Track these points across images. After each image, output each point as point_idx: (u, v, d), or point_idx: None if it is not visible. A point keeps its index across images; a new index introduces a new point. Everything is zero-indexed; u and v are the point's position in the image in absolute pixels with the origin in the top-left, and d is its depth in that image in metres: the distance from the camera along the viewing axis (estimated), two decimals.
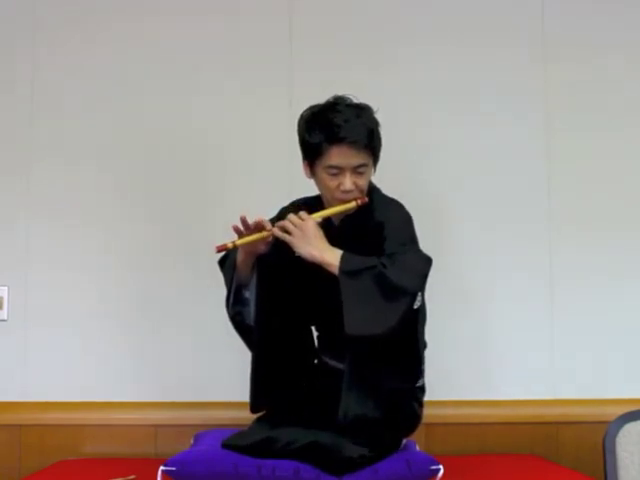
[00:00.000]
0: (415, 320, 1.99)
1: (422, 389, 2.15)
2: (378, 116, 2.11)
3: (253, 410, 2.15)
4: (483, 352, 2.65)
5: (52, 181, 2.68)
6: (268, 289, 2.11)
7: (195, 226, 2.62)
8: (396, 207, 2.12)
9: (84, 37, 2.73)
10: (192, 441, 2.29)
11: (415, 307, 1.95)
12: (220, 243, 2.01)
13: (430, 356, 2.62)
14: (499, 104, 2.73)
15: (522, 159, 2.73)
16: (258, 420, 2.14)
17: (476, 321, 2.66)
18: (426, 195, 2.69)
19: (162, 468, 1.96)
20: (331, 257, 1.97)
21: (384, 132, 2.68)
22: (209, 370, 2.57)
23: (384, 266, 1.93)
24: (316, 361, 2.25)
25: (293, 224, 2.01)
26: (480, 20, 2.76)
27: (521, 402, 2.63)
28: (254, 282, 2.12)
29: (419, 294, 1.97)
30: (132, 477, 2.18)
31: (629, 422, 2.19)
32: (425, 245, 2.63)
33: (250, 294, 2.14)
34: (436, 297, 2.64)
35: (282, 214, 2.18)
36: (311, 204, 2.16)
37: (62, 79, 2.71)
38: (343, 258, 1.96)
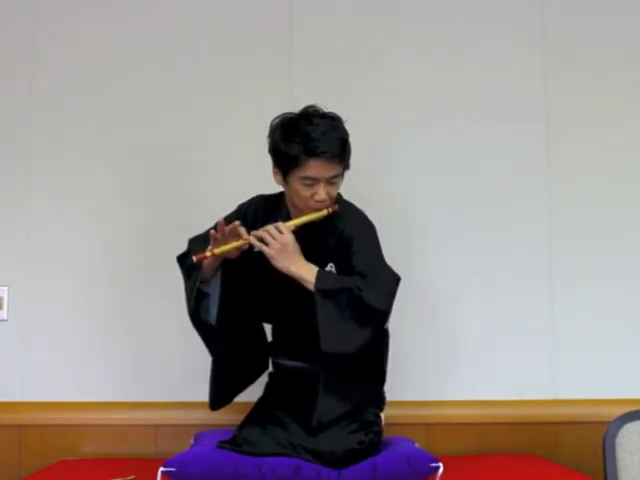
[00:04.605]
0: (384, 336, 2.13)
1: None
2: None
3: (213, 407, 2.23)
4: (483, 352, 2.65)
5: (52, 181, 2.68)
6: (232, 291, 2.18)
7: (195, 228, 2.61)
8: (361, 218, 2.19)
9: (84, 36, 2.73)
10: (192, 441, 2.29)
11: (385, 327, 2.08)
12: (200, 253, 2.08)
13: (430, 356, 2.64)
14: (499, 106, 2.73)
15: (523, 158, 2.72)
16: (241, 429, 2.14)
17: (476, 321, 2.66)
18: (428, 195, 2.70)
19: (162, 469, 1.97)
20: (307, 273, 2.05)
21: (385, 134, 2.71)
22: (209, 370, 2.57)
23: (359, 289, 2.02)
24: (271, 367, 2.33)
25: (272, 236, 2.07)
26: (480, 21, 2.76)
27: (521, 402, 2.62)
28: (217, 281, 2.17)
29: (389, 314, 2.07)
30: (132, 477, 2.18)
31: (629, 422, 2.19)
32: (427, 245, 2.66)
33: (211, 290, 2.18)
34: (436, 297, 2.66)
35: (242, 211, 2.24)
36: (271, 202, 2.23)
37: (62, 79, 2.71)
38: (319, 276, 2.04)
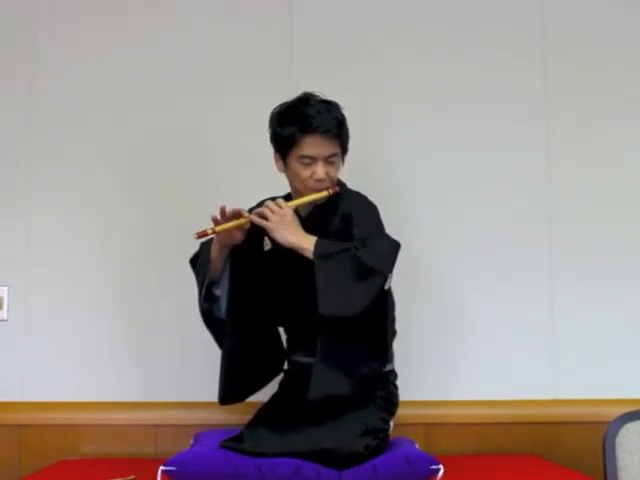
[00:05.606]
0: (385, 303, 2.06)
1: (394, 373, 2.22)
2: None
3: (222, 402, 2.23)
4: (483, 352, 2.65)
5: (52, 181, 2.68)
6: (240, 284, 2.20)
7: (195, 227, 2.62)
8: (362, 199, 2.20)
9: (84, 36, 2.73)
10: (192, 441, 2.29)
11: (386, 288, 2.02)
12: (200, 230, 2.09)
13: (430, 356, 2.64)
14: (499, 106, 2.73)
15: (523, 158, 2.72)
16: (249, 426, 2.14)
17: (476, 321, 2.66)
18: (429, 195, 2.70)
19: (162, 468, 1.97)
20: (306, 242, 2.05)
21: (386, 134, 2.70)
22: (209, 370, 2.56)
23: (356, 249, 2.02)
24: (286, 365, 2.32)
25: (271, 211, 2.10)
26: (480, 21, 2.76)
27: (521, 402, 2.62)
28: (226, 278, 2.20)
29: (389, 276, 2.03)
30: (132, 477, 2.18)
31: (629, 422, 2.19)
32: (428, 246, 2.66)
33: (221, 291, 2.21)
34: (436, 297, 2.66)
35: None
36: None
37: (62, 79, 2.71)
38: (318, 243, 2.05)
